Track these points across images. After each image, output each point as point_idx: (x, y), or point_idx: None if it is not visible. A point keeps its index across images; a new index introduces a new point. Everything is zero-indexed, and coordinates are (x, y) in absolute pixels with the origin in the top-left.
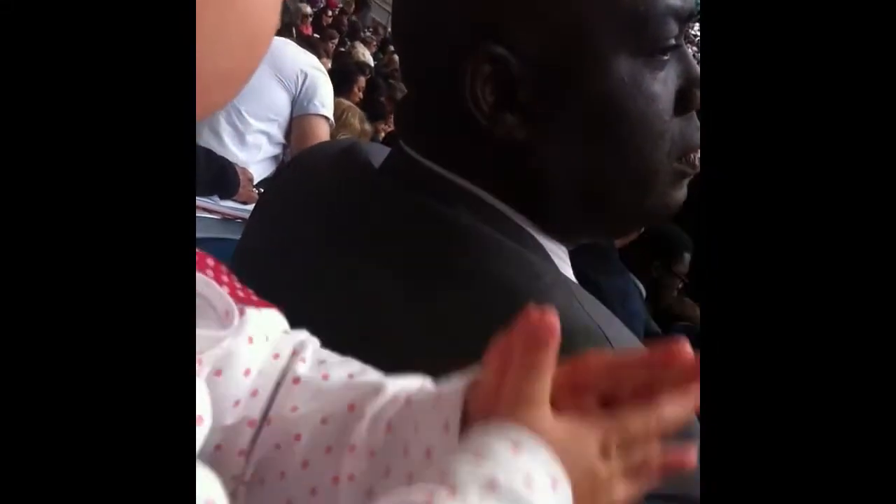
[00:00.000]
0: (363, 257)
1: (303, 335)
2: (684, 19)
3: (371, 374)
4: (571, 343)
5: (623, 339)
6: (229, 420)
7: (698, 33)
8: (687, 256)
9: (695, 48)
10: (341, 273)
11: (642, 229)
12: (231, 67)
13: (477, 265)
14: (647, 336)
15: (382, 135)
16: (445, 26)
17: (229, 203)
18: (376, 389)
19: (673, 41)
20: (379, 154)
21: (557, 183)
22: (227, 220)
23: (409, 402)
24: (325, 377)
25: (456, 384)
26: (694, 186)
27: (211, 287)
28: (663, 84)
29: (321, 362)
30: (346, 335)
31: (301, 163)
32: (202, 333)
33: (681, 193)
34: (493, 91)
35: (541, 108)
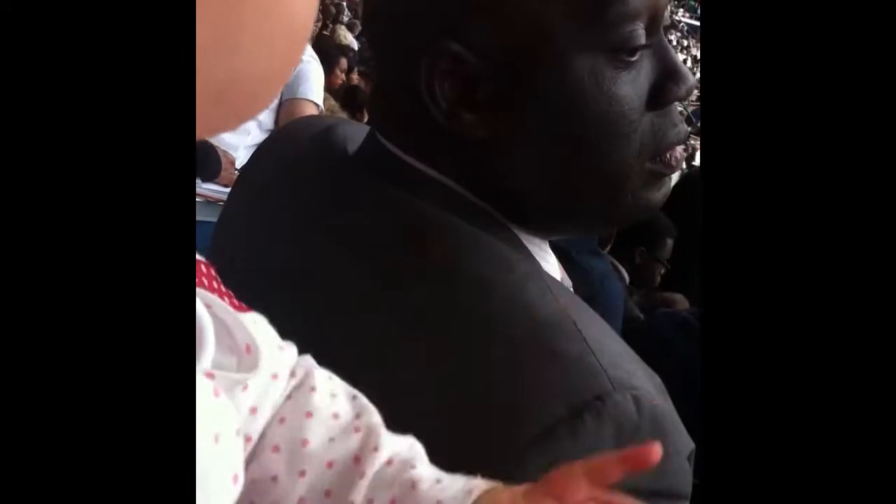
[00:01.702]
0: (337, 248)
1: (306, 361)
2: (655, 15)
3: (373, 417)
4: (544, 334)
5: (596, 332)
6: None
7: (681, 18)
8: (669, 242)
9: (679, 33)
10: (315, 263)
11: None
12: (274, 67)
13: (450, 257)
14: (628, 321)
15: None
16: (407, 22)
17: (211, 185)
18: (375, 446)
19: (642, 40)
20: (359, 135)
21: (521, 182)
22: (210, 202)
23: (415, 488)
24: (336, 416)
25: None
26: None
27: (232, 316)
28: (632, 84)
29: (333, 395)
30: (320, 328)
31: (280, 141)
32: (223, 374)
33: (658, 194)
34: (452, 88)
35: (499, 107)
